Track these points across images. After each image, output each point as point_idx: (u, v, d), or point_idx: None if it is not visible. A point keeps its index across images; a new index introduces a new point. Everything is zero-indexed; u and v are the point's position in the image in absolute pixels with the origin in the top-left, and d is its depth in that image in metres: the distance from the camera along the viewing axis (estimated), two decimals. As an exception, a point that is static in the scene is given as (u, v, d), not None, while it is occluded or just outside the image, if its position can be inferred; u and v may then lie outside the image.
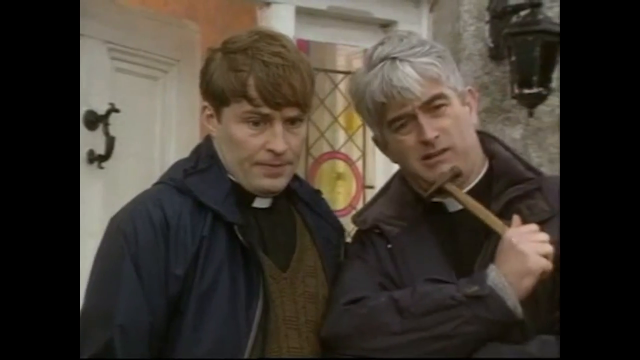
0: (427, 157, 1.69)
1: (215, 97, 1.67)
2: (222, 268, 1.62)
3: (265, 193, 1.71)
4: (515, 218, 1.63)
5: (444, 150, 1.68)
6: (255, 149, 1.65)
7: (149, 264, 1.60)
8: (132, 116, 3.15)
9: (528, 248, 1.56)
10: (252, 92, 1.62)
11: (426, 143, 1.67)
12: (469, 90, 1.77)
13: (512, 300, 1.54)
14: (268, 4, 3.03)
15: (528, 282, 1.55)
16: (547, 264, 1.55)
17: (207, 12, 3.68)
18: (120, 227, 1.61)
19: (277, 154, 1.64)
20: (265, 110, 1.62)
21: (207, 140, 1.75)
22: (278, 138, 1.64)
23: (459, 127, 1.69)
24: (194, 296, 1.60)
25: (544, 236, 1.57)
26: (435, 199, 1.74)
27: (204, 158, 1.71)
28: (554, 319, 1.56)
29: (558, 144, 3.23)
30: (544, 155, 3.21)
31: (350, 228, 3.29)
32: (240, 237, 1.64)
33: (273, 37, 1.68)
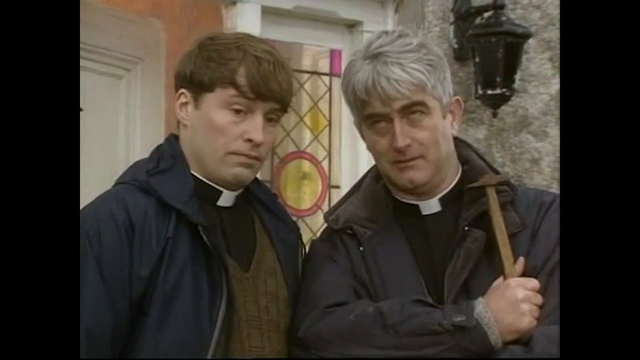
0: (398, 162, 1.70)
1: (198, 83, 1.68)
2: (186, 268, 1.62)
3: (233, 184, 1.72)
4: (521, 261, 1.66)
5: (415, 157, 1.70)
6: (233, 137, 1.67)
7: (113, 266, 1.59)
8: (96, 115, 3.12)
9: (528, 308, 1.61)
10: (241, 79, 1.66)
11: (397, 150, 1.68)
12: (456, 100, 1.78)
13: (495, 336, 1.59)
14: (234, 3, 3.02)
15: (513, 337, 1.60)
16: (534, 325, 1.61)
17: (172, 11, 3.66)
18: (84, 228, 1.59)
19: (255, 144, 1.67)
20: (250, 96, 1.66)
21: (169, 141, 1.76)
22: (258, 128, 1.67)
23: (434, 139, 1.70)
24: (157, 297, 1.60)
25: (541, 299, 1.62)
26: (410, 201, 1.76)
27: (166, 158, 1.71)
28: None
29: (520, 144, 3.28)
30: (506, 155, 3.25)
31: (315, 228, 3.30)
32: (205, 239, 1.64)
33: (260, 39, 1.75)
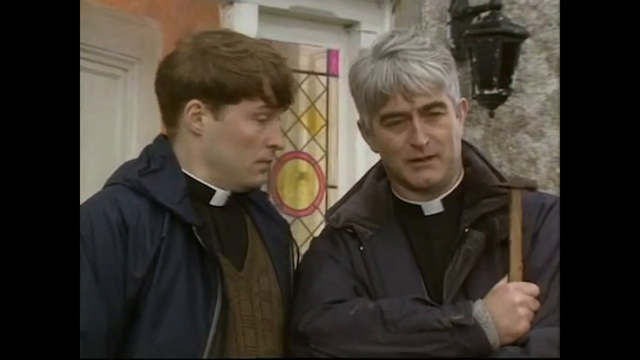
0: (414, 160, 1.70)
1: (218, 94, 1.67)
2: (180, 269, 1.62)
3: (253, 189, 1.76)
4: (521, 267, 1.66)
5: (431, 156, 1.70)
6: (259, 146, 1.70)
7: (107, 267, 1.59)
8: (93, 115, 3.11)
9: (525, 313, 1.62)
10: (268, 90, 1.67)
11: (416, 147, 1.68)
12: (463, 101, 1.78)
13: (493, 335, 1.60)
14: (231, 3, 3.02)
15: (509, 340, 1.61)
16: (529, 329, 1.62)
17: (169, 11, 3.65)
18: None
19: (278, 149, 1.73)
20: (276, 105, 1.69)
21: (158, 141, 1.75)
22: (279, 134, 1.72)
23: (450, 137, 1.71)
24: (151, 297, 1.60)
25: (537, 305, 1.63)
26: (413, 201, 1.76)
27: (156, 158, 1.71)
28: None
29: (517, 144, 3.28)
30: (503, 155, 3.25)
31: (313, 227, 3.30)
32: (199, 239, 1.64)
33: (256, 40, 1.78)
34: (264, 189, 3.24)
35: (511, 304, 1.61)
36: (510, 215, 1.68)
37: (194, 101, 1.69)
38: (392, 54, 1.67)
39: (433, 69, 1.67)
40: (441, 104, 1.69)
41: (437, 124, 1.69)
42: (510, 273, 1.65)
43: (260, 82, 1.66)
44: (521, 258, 1.65)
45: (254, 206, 1.80)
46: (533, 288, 1.64)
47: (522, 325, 1.60)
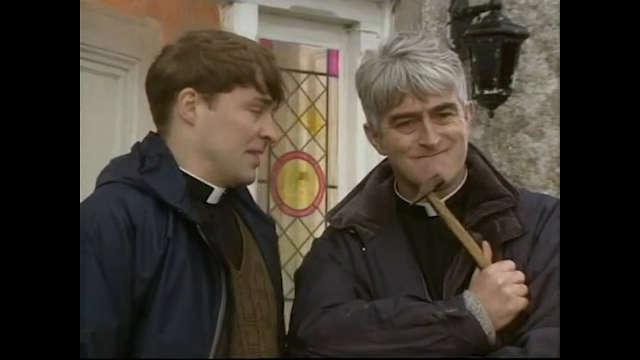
0: (424, 156, 1.69)
1: (212, 83, 1.67)
2: (186, 268, 1.62)
3: (244, 184, 1.76)
4: (485, 245, 1.67)
5: (440, 152, 1.69)
6: (252, 135, 1.69)
7: (115, 267, 1.57)
8: (93, 115, 3.11)
9: (511, 291, 1.61)
10: (260, 80, 1.68)
11: (427, 147, 1.68)
12: (469, 105, 1.78)
13: (488, 326, 1.60)
14: (231, 3, 3.03)
15: (505, 322, 1.61)
16: (525, 303, 1.62)
17: (169, 11, 3.65)
18: (83, 229, 1.57)
19: (272, 142, 1.73)
20: (268, 97, 1.70)
21: (151, 139, 1.74)
22: (272, 125, 1.72)
23: (460, 135, 1.71)
24: (158, 297, 1.59)
25: (522, 276, 1.63)
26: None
27: (152, 156, 1.69)
28: (518, 333, 1.62)
29: (517, 144, 3.28)
30: (503, 155, 3.26)
31: (313, 227, 3.30)
32: (204, 237, 1.63)
33: (244, 37, 1.78)
34: (264, 188, 3.26)
35: (495, 286, 1.61)
36: (441, 217, 1.69)
37: (188, 89, 1.69)
38: (402, 56, 1.67)
39: (444, 71, 1.67)
40: (451, 105, 1.69)
41: (446, 124, 1.69)
42: (478, 263, 1.65)
43: (252, 70, 1.67)
44: (476, 244, 1.66)
45: (242, 204, 1.79)
46: (509, 264, 1.64)
47: (513, 303, 1.61)
